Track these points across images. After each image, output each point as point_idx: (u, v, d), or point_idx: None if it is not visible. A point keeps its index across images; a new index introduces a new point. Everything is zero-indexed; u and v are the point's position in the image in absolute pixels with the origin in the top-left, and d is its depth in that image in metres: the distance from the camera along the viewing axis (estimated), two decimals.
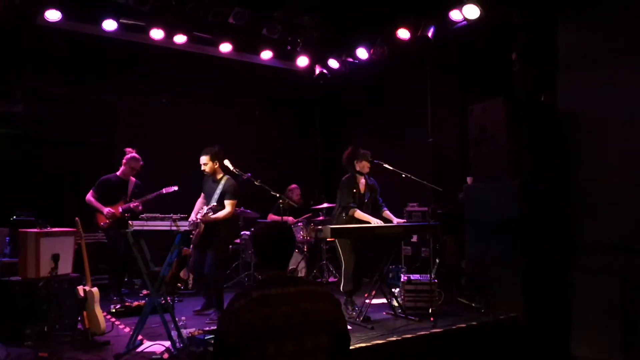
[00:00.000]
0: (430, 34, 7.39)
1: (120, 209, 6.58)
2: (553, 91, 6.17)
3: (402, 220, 6.19)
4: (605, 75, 5.73)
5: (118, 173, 6.78)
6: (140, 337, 4.68)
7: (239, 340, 2.38)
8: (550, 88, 6.18)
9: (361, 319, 5.47)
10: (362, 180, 6.09)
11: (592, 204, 5.76)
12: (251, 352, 2.37)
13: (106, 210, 6.52)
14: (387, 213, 6.18)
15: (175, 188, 6.67)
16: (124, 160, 6.77)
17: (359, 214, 5.86)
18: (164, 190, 6.62)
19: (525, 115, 6.10)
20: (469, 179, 6.59)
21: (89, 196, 6.61)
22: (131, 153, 6.79)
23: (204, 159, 5.82)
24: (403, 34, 7.73)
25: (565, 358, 5.67)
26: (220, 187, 5.79)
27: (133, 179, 6.86)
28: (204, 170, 5.86)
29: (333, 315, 2.54)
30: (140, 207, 6.54)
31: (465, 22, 7.13)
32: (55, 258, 4.70)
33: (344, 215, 5.95)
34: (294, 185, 8.79)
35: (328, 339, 2.47)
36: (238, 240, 8.19)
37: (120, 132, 8.44)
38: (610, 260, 5.50)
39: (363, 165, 6.03)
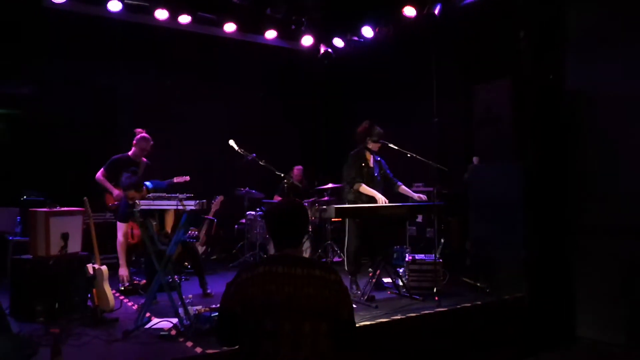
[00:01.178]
0: (436, 12, 7.32)
1: None
2: (560, 71, 6.11)
3: (424, 196, 6.14)
4: (614, 53, 5.63)
5: (129, 154, 6.72)
6: (148, 314, 4.75)
7: (241, 311, 2.44)
8: (558, 68, 6.12)
9: (366, 298, 5.53)
10: (371, 157, 6.12)
11: (597, 185, 5.73)
12: (249, 325, 2.43)
13: (116, 192, 6.52)
14: (403, 188, 6.17)
15: (187, 178, 6.64)
16: (134, 142, 6.71)
17: (364, 188, 5.88)
18: (175, 180, 6.60)
19: (531, 95, 6.05)
20: (474, 159, 6.58)
21: (99, 175, 6.59)
22: (141, 133, 6.73)
23: None
24: (409, 11, 7.66)
25: (570, 339, 5.69)
26: None
27: (145, 159, 6.84)
28: None
29: (337, 303, 2.52)
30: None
31: None
32: (65, 237, 4.79)
33: (351, 189, 5.97)
34: (298, 167, 8.82)
35: (327, 326, 2.47)
36: (243, 220, 8.25)
37: (124, 113, 8.44)
38: (615, 243, 5.49)
39: (374, 145, 6.04)
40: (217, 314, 4.44)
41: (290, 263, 2.54)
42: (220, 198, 7.75)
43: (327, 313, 2.48)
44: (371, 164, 6.10)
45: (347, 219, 5.98)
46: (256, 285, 2.45)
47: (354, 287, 5.89)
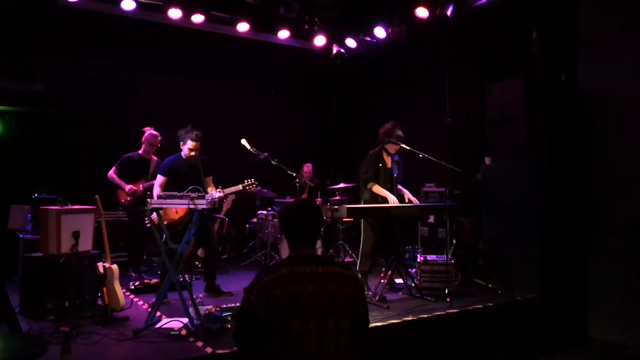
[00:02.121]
0: (449, 13, 7.27)
1: (142, 187, 6.66)
2: (574, 71, 6.06)
3: (414, 199, 6.19)
4: (628, 54, 5.60)
5: (140, 152, 6.84)
6: (158, 314, 4.75)
7: (266, 314, 2.42)
8: (571, 67, 6.07)
9: (377, 298, 5.50)
10: (389, 158, 6.13)
11: (611, 185, 5.68)
12: (275, 327, 2.40)
13: (128, 187, 6.61)
14: (399, 187, 6.21)
15: None
16: (142, 140, 6.82)
17: (377, 188, 5.90)
18: None
19: (544, 95, 6.00)
20: (487, 159, 6.53)
21: (112, 173, 6.70)
22: (149, 131, 6.83)
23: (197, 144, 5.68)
24: (422, 12, 7.60)
25: (583, 340, 5.64)
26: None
27: (155, 157, 6.91)
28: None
29: (356, 299, 2.57)
30: None
31: (484, 0, 7.01)
32: (76, 235, 4.78)
33: (367, 190, 6.00)
34: (308, 165, 8.80)
35: (349, 322, 2.49)
36: (255, 220, 8.24)
37: (137, 110, 8.50)
38: (629, 242, 5.43)
39: (393, 147, 6.05)
40: (228, 313, 4.46)
41: (310, 262, 2.55)
42: (232, 197, 7.74)
43: (348, 309, 2.51)
44: (389, 164, 6.10)
45: (362, 219, 5.97)
46: (280, 287, 2.44)
47: (365, 287, 5.88)
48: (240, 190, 5.58)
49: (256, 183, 5.56)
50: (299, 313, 2.41)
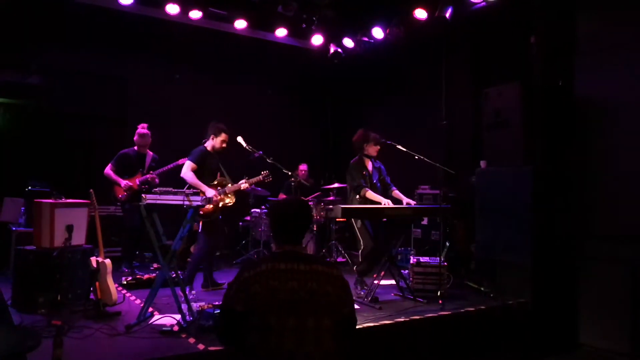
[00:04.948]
0: (447, 15, 7.28)
1: (138, 181, 6.67)
2: (570, 76, 6.10)
3: (412, 202, 6.19)
4: (623, 61, 5.65)
5: (135, 147, 6.90)
6: (150, 310, 4.74)
7: (244, 309, 2.43)
8: (568, 73, 6.11)
9: (369, 299, 5.50)
10: (369, 163, 6.13)
11: (605, 192, 5.72)
12: (253, 322, 2.42)
13: (124, 182, 6.63)
14: (396, 193, 6.22)
15: None
16: (135, 137, 6.89)
17: (370, 194, 5.90)
18: (180, 161, 6.65)
19: (541, 100, 6.03)
20: (482, 163, 6.55)
21: (108, 169, 6.72)
22: (140, 129, 6.89)
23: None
24: (420, 14, 7.62)
25: (573, 346, 5.68)
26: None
27: (150, 152, 6.95)
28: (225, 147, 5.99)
29: (339, 298, 2.56)
30: (157, 180, 6.66)
31: (483, 3, 7.04)
32: (69, 229, 4.77)
33: (357, 196, 5.98)
34: (303, 165, 8.81)
35: (330, 321, 2.49)
36: (248, 218, 8.24)
37: (133, 106, 8.47)
38: (622, 249, 5.47)
39: (373, 149, 6.05)
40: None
41: (292, 259, 2.56)
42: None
43: (329, 308, 2.50)
44: (370, 170, 6.11)
45: (355, 223, 5.96)
46: (260, 283, 2.45)
47: (359, 287, 5.90)
48: (261, 180, 6.21)
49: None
50: (277, 309, 2.42)
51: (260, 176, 6.19)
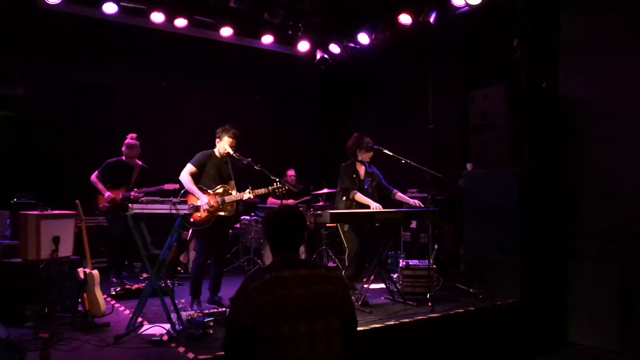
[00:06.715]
0: (432, 20, 7.35)
1: (121, 196, 6.61)
2: (555, 78, 6.16)
3: (418, 202, 6.02)
4: (606, 62, 5.73)
5: (124, 158, 6.84)
6: (140, 320, 4.71)
7: (254, 321, 2.40)
8: (552, 75, 6.17)
9: (360, 303, 5.50)
10: (362, 168, 6.11)
11: (591, 192, 5.78)
12: (265, 333, 2.39)
13: (107, 194, 6.58)
14: (399, 195, 6.12)
15: (177, 186, 6.60)
16: (123, 148, 6.83)
17: (359, 196, 5.87)
18: (165, 186, 6.63)
19: (526, 102, 6.08)
20: (468, 166, 6.59)
21: (94, 177, 6.69)
22: (129, 139, 6.83)
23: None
24: (405, 19, 7.69)
25: (562, 345, 5.71)
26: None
27: (139, 162, 6.90)
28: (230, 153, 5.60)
29: (342, 298, 2.59)
30: (141, 197, 6.57)
31: (467, 7, 7.11)
32: (56, 240, 4.74)
33: (344, 198, 5.97)
34: (291, 171, 8.80)
35: (339, 322, 2.51)
36: (238, 225, 8.21)
37: (121, 115, 8.43)
38: (609, 248, 5.53)
39: (365, 155, 6.04)
40: (210, 319, 4.43)
41: (294, 266, 2.56)
42: None
43: (335, 308, 2.53)
44: (362, 176, 6.08)
45: (341, 227, 5.94)
46: (266, 293, 2.43)
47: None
48: (269, 192, 5.58)
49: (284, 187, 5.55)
50: (287, 316, 2.41)
51: (270, 188, 5.53)
